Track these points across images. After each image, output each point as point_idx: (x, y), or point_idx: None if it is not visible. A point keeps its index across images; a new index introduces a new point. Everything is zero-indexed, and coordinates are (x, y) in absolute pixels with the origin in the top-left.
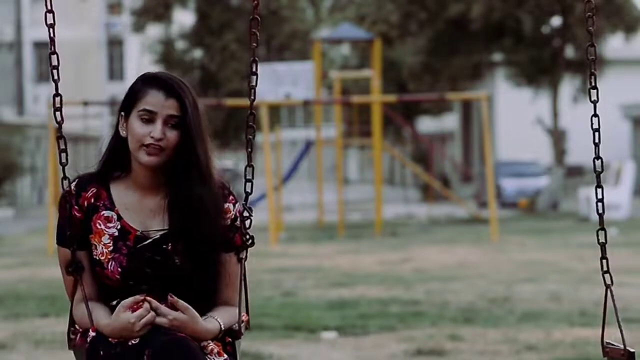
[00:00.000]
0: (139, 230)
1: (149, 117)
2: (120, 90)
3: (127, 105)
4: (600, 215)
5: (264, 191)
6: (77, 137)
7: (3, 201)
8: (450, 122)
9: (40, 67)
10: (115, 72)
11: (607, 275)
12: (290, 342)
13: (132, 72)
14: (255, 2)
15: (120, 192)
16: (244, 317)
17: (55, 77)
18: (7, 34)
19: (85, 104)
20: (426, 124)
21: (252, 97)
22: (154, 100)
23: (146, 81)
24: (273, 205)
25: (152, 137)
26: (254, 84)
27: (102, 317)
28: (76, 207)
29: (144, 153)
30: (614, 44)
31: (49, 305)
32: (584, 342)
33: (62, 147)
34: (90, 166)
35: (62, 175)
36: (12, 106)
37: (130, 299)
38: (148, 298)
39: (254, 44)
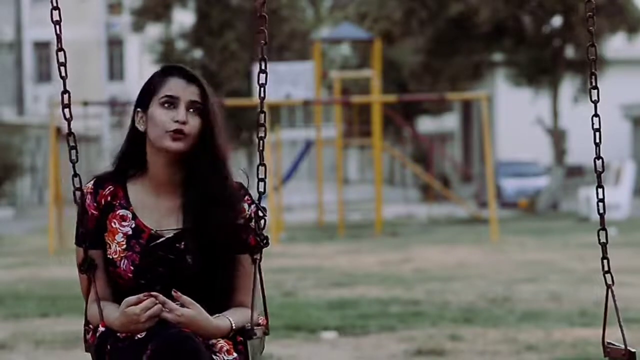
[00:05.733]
0: (153, 229)
1: (171, 102)
2: (120, 90)
3: (145, 99)
4: (601, 215)
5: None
6: (77, 137)
7: (3, 201)
8: (450, 122)
9: (40, 67)
10: (115, 72)
11: (608, 275)
12: (290, 342)
13: (132, 72)
14: (262, 0)
15: (136, 191)
16: (263, 321)
17: (63, 74)
18: (7, 34)
19: (85, 104)
20: (426, 124)
21: (262, 96)
22: (175, 86)
23: (165, 71)
24: (273, 205)
25: (176, 121)
26: (263, 81)
27: (111, 313)
28: (94, 204)
29: (169, 139)
30: (614, 44)
31: (49, 305)
32: (584, 342)
33: (72, 144)
34: (91, 167)
35: (72, 172)
36: (12, 106)
37: (133, 297)
38: (154, 293)
39: (263, 42)
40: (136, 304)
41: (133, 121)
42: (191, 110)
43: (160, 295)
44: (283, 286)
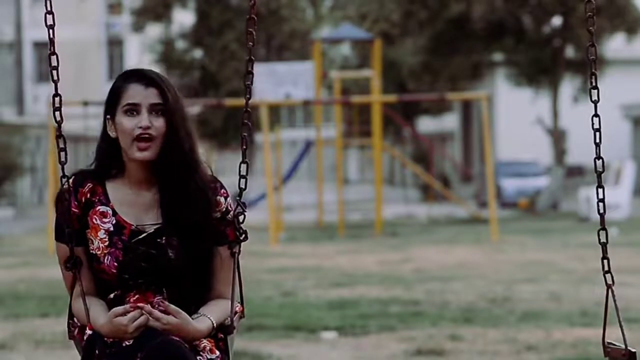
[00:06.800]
0: (133, 225)
1: (134, 109)
2: None
3: (111, 106)
4: (602, 215)
5: (264, 191)
6: (77, 137)
7: (3, 201)
8: (450, 122)
9: (40, 67)
10: (115, 72)
11: (608, 275)
12: (290, 342)
13: None
14: (252, 1)
15: (115, 189)
16: (238, 308)
17: (55, 77)
18: (7, 34)
19: (85, 103)
20: (426, 124)
21: (248, 96)
22: (134, 92)
23: (124, 78)
24: (273, 205)
25: (140, 127)
26: (249, 82)
27: (98, 317)
28: (75, 202)
29: (136, 149)
30: (614, 44)
31: (49, 305)
32: (584, 342)
33: (62, 146)
34: (88, 165)
35: (61, 173)
36: (12, 106)
37: (120, 308)
38: (140, 304)
39: (250, 43)
40: (123, 314)
41: (105, 126)
42: (154, 112)
43: (147, 306)
44: (283, 286)
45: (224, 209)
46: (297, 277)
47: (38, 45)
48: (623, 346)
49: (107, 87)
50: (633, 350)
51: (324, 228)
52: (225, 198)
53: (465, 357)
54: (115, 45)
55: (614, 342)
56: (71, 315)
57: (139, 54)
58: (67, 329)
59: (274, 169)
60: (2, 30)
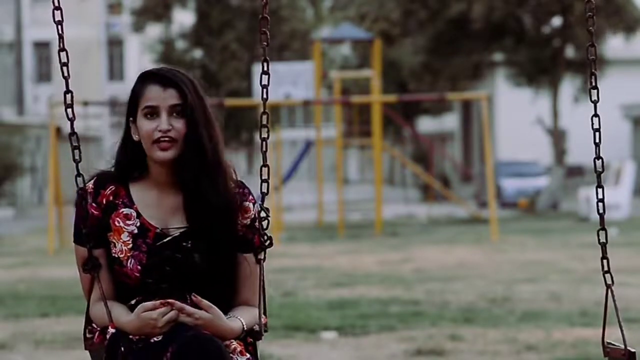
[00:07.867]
0: (158, 228)
1: (153, 112)
2: (120, 90)
3: (132, 108)
4: (601, 215)
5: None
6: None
7: (3, 201)
8: (450, 122)
9: (40, 67)
10: (115, 72)
11: (607, 275)
12: (290, 342)
13: (132, 72)
14: (264, 1)
15: (139, 191)
16: (264, 320)
17: (65, 74)
18: (7, 34)
19: (85, 104)
20: (426, 124)
21: (265, 97)
22: (153, 94)
23: (143, 79)
24: (273, 205)
25: (160, 131)
26: (265, 83)
27: (122, 315)
28: (94, 204)
29: (157, 149)
30: (614, 44)
31: (49, 305)
32: (584, 342)
33: (75, 143)
34: (91, 167)
35: (75, 172)
36: (12, 106)
37: (149, 303)
38: (170, 301)
39: (265, 43)
40: (152, 309)
41: (128, 127)
42: (174, 114)
43: (177, 302)
44: (283, 286)
45: (253, 216)
46: (297, 277)
47: (38, 45)
48: (623, 346)
49: (108, 87)
50: (633, 350)
51: (324, 228)
52: (254, 204)
53: (465, 357)
54: (115, 45)
55: (613, 342)
56: (89, 322)
57: (139, 54)
58: (83, 338)
59: (274, 169)
60: (2, 30)
